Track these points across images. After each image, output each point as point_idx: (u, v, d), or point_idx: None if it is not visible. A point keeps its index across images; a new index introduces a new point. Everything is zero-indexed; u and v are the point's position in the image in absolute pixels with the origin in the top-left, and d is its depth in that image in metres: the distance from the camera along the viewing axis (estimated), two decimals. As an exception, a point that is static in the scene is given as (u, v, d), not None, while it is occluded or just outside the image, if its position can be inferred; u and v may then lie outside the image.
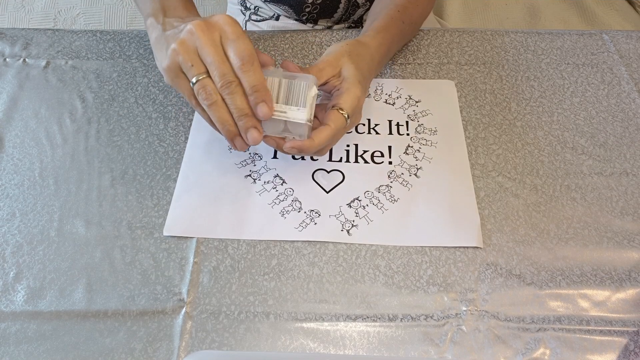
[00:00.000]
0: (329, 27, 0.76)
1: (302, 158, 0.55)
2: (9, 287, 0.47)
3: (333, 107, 0.50)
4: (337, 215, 0.51)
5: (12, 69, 0.64)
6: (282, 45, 0.66)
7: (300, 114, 0.47)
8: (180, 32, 0.46)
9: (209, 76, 0.45)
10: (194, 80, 0.45)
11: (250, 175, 0.54)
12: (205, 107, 0.46)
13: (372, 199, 0.52)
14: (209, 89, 0.45)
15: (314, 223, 0.51)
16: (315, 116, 0.51)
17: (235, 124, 0.46)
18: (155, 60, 0.52)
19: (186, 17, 0.52)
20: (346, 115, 0.49)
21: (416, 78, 0.63)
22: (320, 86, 0.52)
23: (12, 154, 0.56)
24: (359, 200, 0.52)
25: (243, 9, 0.81)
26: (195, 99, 0.46)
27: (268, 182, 0.54)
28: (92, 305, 0.46)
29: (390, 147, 0.56)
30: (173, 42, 0.46)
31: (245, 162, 0.55)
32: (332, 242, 0.50)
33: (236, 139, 0.48)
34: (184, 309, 0.46)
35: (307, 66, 0.56)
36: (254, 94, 0.45)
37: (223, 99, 0.45)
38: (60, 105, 0.60)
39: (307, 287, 0.47)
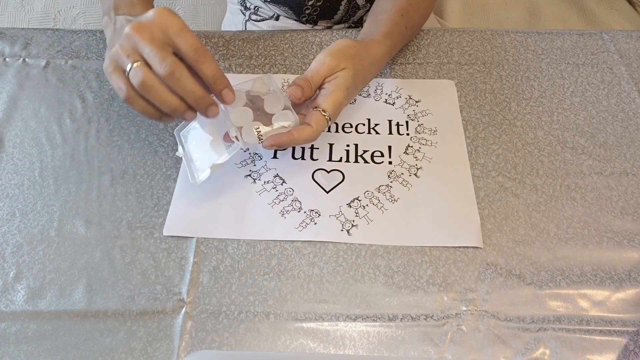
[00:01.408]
0: (329, 27, 0.76)
1: (302, 157, 0.55)
2: (9, 287, 0.47)
3: (316, 108, 0.52)
4: (337, 215, 0.51)
5: (12, 68, 0.64)
6: (282, 45, 0.66)
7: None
8: (120, 36, 0.44)
9: (146, 64, 0.43)
10: (128, 67, 0.43)
11: (250, 175, 0.54)
12: (143, 92, 0.44)
13: (372, 198, 0.52)
14: (141, 72, 0.43)
15: (314, 223, 0.51)
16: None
17: (180, 99, 0.44)
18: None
19: (138, 14, 0.48)
20: (328, 117, 0.52)
21: (416, 78, 0.63)
22: None
23: (12, 153, 0.56)
24: (359, 200, 0.52)
25: (243, 9, 0.81)
26: (132, 89, 0.44)
27: (268, 182, 0.54)
28: (92, 305, 0.46)
29: (390, 147, 0.56)
30: (115, 44, 0.45)
31: (245, 162, 0.55)
32: (332, 242, 0.50)
33: (186, 113, 0.45)
34: (183, 309, 0.46)
35: (309, 65, 0.56)
36: (216, 82, 0.45)
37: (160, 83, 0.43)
38: (60, 105, 0.60)
39: (307, 287, 0.47)
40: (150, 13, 0.44)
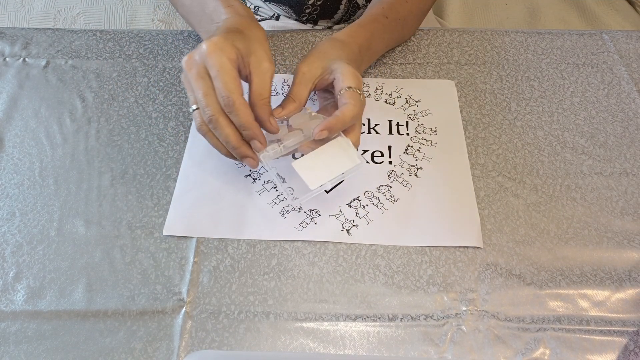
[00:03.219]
0: (329, 27, 0.76)
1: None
2: (9, 286, 0.47)
3: (340, 90, 0.49)
4: (337, 215, 0.51)
5: (12, 68, 0.64)
6: (282, 45, 0.66)
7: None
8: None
9: None
10: (191, 109, 0.48)
11: (250, 175, 0.54)
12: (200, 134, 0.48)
13: (372, 198, 0.52)
14: (198, 120, 0.47)
15: (314, 223, 0.51)
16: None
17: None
18: None
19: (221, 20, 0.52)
20: (358, 92, 0.49)
21: (416, 78, 0.63)
22: (314, 90, 0.52)
23: (12, 153, 0.56)
24: (359, 200, 0.52)
25: (243, 8, 0.81)
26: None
27: (268, 182, 0.54)
28: (92, 305, 0.46)
29: (390, 147, 0.56)
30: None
31: (245, 162, 0.55)
32: (332, 242, 0.50)
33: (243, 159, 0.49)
34: (183, 309, 0.46)
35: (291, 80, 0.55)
36: (244, 132, 0.46)
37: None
38: (60, 104, 0.60)
39: (307, 287, 0.47)
40: (203, 47, 0.45)
